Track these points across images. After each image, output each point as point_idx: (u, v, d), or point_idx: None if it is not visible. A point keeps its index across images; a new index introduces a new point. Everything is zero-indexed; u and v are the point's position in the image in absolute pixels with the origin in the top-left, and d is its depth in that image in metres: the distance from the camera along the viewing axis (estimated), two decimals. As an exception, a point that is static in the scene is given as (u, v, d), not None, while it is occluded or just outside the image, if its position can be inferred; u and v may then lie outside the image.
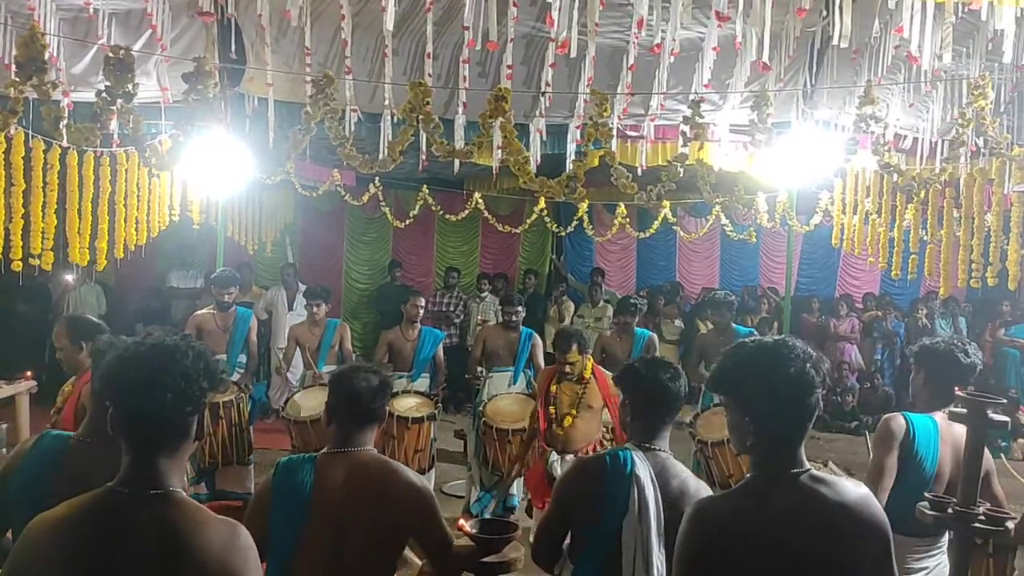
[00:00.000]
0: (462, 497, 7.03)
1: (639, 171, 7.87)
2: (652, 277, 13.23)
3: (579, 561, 2.85)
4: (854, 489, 2.09)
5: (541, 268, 12.88)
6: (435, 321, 10.35)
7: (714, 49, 6.59)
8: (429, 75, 6.62)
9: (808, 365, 2.03)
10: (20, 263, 5.18)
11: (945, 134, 7.41)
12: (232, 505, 6.17)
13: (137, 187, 6.30)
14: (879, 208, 7.48)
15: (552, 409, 5.23)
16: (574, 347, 5.23)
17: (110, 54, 4.95)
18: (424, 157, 7.65)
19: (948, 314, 11.70)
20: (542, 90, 7.29)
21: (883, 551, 2.06)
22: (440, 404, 6.82)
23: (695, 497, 2.74)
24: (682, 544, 2.07)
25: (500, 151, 6.71)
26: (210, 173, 6.46)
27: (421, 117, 5.55)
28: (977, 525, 2.70)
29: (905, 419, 3.24)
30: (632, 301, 7.39)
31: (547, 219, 10.08)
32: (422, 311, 7.19)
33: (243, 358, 6.88)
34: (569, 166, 7.48)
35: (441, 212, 10.23)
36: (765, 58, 5.99)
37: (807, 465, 2.07)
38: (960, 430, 2.97)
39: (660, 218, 9.53)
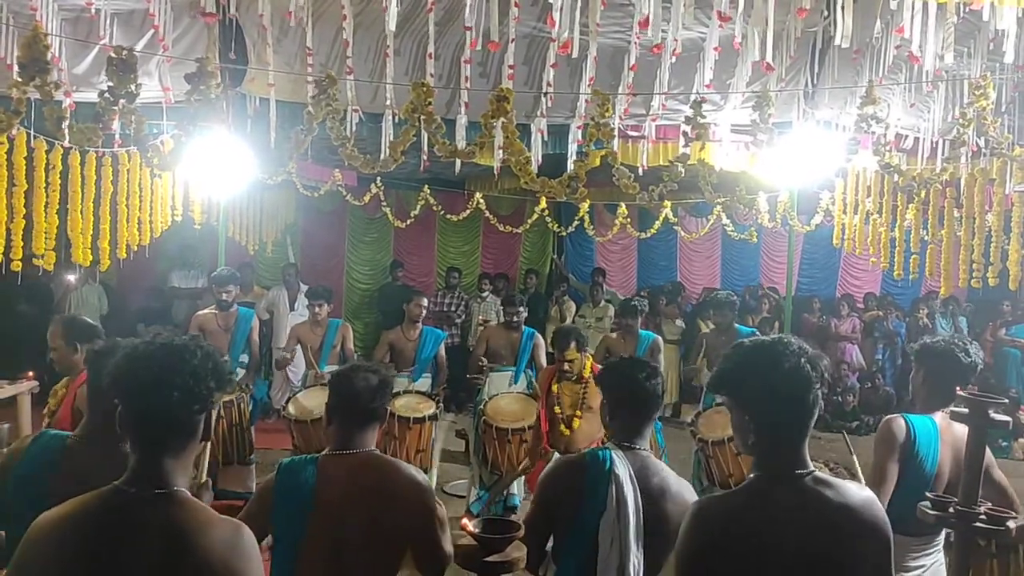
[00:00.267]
0: (462, 497, 7.04)
1: (640, 171, 7.88)
2: (653, 277, 13.23)
3: (561, 561, 2.86)
4: (857, 492, 2.09)
5: (542, 268, 12.89)
6: (436, 321, 10.36)
7: (715, 49, 6.59)
8: (431, 75, 6.63)
9: (804, 361, 2.04)
10: (20, 263, 5.18)
11: (946, 134, 7.41)
12: (234, 505, 6.17)
13: (139, 187, 6.30)
14: (880, 208, 7.48)
15: (557, 409, 5.23)
16: (572, 345, 5.23)
17: (113, 54, 4.95)
18: (425, 157, 7.65)
19: (948, 314, 11.71)
20: (543, 90, 7.29)
21: (883, 554, 2.07)
22: (441, 404, 6.83)
23: (677, 495, 2.77)
24: (683, 543, 2.07)
25: (501, 151, 6.72)
26: (212, 173, 6.46)
27: (423, 117, 5.55)
28: (978, 525, 2.71)
29: (905, 421, 3.23)
30: (634, 303, 7.40)
31: (548, 219, 10.09)
32: (424, 311, 7.20)
33: (245, 358, 6.88)
34: (570, 166, 7.48)
35: (442, 212, 10.24)
36: (768, 58, 6.00)
37: (811, 466, 2.07)
38: (960, 429, 2.97)
39: (661, 218, 9.54)
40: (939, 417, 3.23)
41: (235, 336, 6.77)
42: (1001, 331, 11.35)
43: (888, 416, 3.34)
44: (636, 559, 2.72)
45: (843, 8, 5.54)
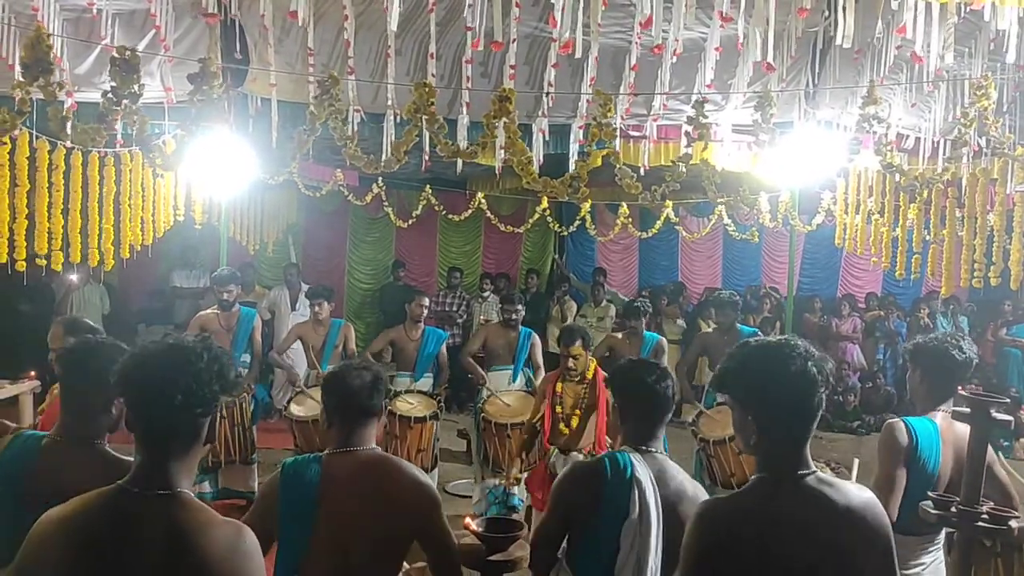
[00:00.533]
0: (465, 496, 7.05)
1: (642, 171, 7.88)
2: (654, 277, 13.24)
3: (578, 566, 2.83)
4: (858, 493, 2.10)
5: (543, 268, 12.89)
6: (438, 321, 10.37)
7: (716, 49, 6.59)
8: (432, 75, 6.63)
9: (810, 364, 2.03)
10: (24, 263, 5.19)
11: (947, 134, 7.41)
12: (236, 504, 6.20)
13: (141, 187, 6.31)
14: (881, 208, 7.48)
15: (559, 409, 5.23)
16: (578, 341, 5.23)
17: (116, 55, 4.95)
18: (427, 157, 7.66)
19: (949, 313, 11.71)
20: (545, 90, 7.30)
21: (886, 554, 2.07)
22: (443, 404, 6.84)
23: (693, 500, 2.75)
24: (688, 545, 2.08)
25: (503, 151, 6.72)
26: (213, 173, 6.47)
27: (426, 117, 5.56)
28: (980, 524, 2.71)
29: (906, 425, 3.22)
30: (638, 304, 7.41)
31: (549, 219, 10.10)
32: (426, 311, 7.20)
33: (246, 358, 6.89)
34: (572, 166, 7.49)
35: (444, 212, 10.25)
36: (769, 58, 6.00)
37: (812, 467, 2.08)
38: (961, 429, 2.98)
39: (662, 218, 9.54)
40: (939, 417, 3.23)
41: (237, 336, 6.78)
42: (1002, 331, 11.35)
43: (889, 421, 3.33)
44: (655, 563, 2.72)
45: (844, 8, 5.54)
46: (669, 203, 8.83)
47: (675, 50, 6.31)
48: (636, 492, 2.73)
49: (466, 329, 11.14)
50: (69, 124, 5.07)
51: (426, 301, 7.27)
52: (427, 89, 5.61)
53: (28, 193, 5.15)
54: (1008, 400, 2.92)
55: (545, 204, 9.36)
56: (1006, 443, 9.02)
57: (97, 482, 2.24)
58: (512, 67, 6.69)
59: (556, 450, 5.19)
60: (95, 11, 6.03)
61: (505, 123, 5.73)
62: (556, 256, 12.92)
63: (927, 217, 7.00)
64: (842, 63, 7.24)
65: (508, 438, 6.08)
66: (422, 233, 12.11)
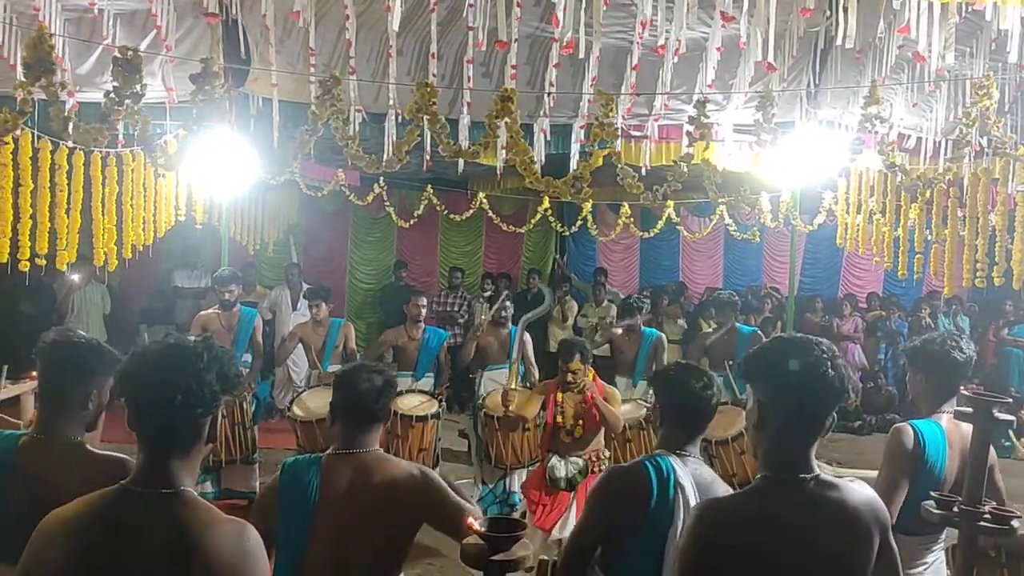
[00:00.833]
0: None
1: (643, 171, 7.88)
2: (656, 277, 13.23)
3: (614, 572, 2.78)
4: (860, 492, 2.09)
5: (545, 268, 12.89)
6: (439, 321, 10.37)
7: (718, 49, 6.59)
8: (433, 75, 6.63)
9: (832, 369, 2.03)
10: (28, 263, 5.19)
11: (949, 134, 7.41)
12: (238, 505, 6.20)
13: (143, 187, 6.31)
14: (883, 208, 7.48)
15: (559, 419, 5.23)
16: (577, 357, 5.19)
17: (118, 55, 4.96)
18: (428, 157, 7.66)
19: (951, 313, 11.70)
20: (546, 90, 7.30)
21: (885, 548, 2.07)
22: (444, 403, 6.84)
23: None
24: (686, 543, 2.08)
25: (505, 151, 6.73)
26: (215, 173, 6.46)
27: (427, 117, 5.56)
28: (983, 524, 2.71)
29: (914, 430, 3.20)
30: (632, 301, 7.44)
31: (551, 219, 10.09)
32: (424, 310, 7.21)
33: (247, 357, 6.89)
34: (573, 166, 7.49)
35: (445, 212, 10.25)
36: (770, 58, 6.00)
37: (816, 469, 2.07)
38: (967, 430, 2.96)
39: (664, 218, 9.53)
40: (945, 420, 3.22)
41: (238, 336, 6.78)
42: (1004, 331, 11.34)
43: (896, 425, 3.31)
44: None
45: (846, 8, 5.54)
46: (670, 203, 8.82)
47: (677, 50, 6.31)
48: (681, 498, 2.69)
49: (467, 329, 11.11)
50: (71, 124, 5.08)
51: (423, 301, 7.27)
52: (429, 89, 5.62)
53: (30, 193, 5.15)
54: (1010, 400, 2.91)
55: (547, 204, 9.36)
56: (1007, 443, 9.01)
57: (77, 479, 2.24)
58: (513, 67, 6.69)
59: (553, 454, 5.17)
60: (97, 11, 6.03)
61: (507, 123, 5.74)
62: (557, 256, 12.92)
63: (929, 217, 6.99)
64: (844, 63, 7.24)
65: (511, 431, 6.07)
66: (423, 233, 12.11)
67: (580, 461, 5.11)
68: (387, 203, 9.75)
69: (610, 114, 5.93)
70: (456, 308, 11.30)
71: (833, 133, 7.33)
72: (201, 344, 1.93)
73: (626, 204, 9.23)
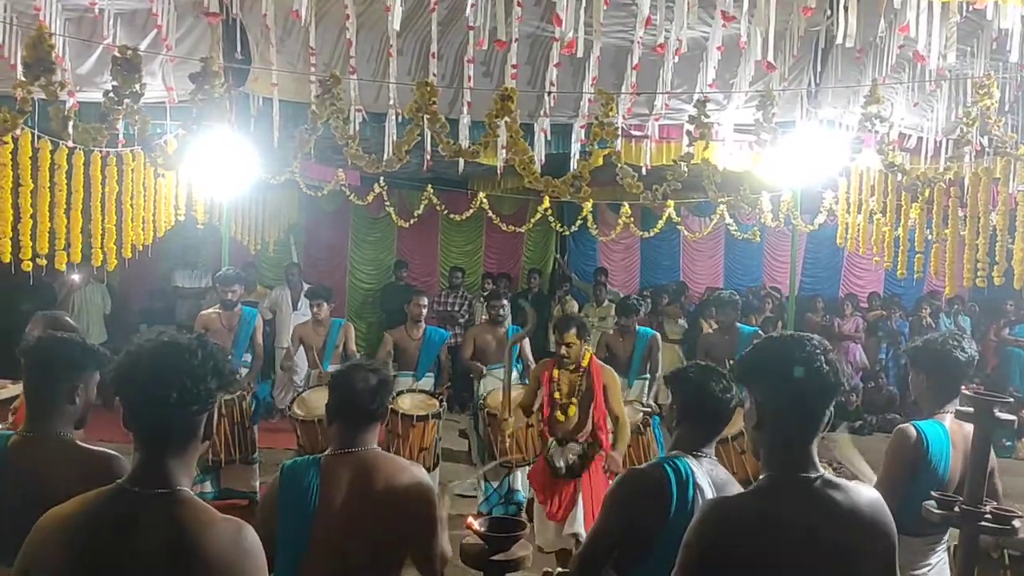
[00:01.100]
0: (467, 496, 7.05)
1: (644, 170, 7.88)
2: (656, 276, 13.22)
3: (632, 575, 2.76)
4: (865, 493, 2.09)
5: (545, 267, 12.89)
6: (440, 321, 10.37)
7: (718, 49, 6.59)
8: (434, 75, 6.63)
9: (826, 364, 2.03)
10: (30, 263, 5.19)
11: (950, 133, 7.40)
12: (238, 504, 6.20)
13: (143, 187, 6.31)
14: (884, 207, 7.47)
15: (557, 395, 5.23)
16: (573, 330, 5.19)
17: (117, 54, 4.95)
18: (428, 157, 7.66)
19: (952, 313, 11.69)
20: (547, 90, 7.30)
21: (889, 556, 2.06)
22: (444, 403, 6.84)
23: None
24: (689, 543, 2.07)
25: (505, 151, 6.72)
26: (215, 173, 6.47)
27: (427, 117, 5.56)
28: (984, 524, 2.70)
29: (918, 431, 3.20)
30: (630, 302, 7.44)
31: (551, 219, 10.08)
32: (425, 310, 7.21)
33: (248, 357, 6.89)
34: (574, 165, 7.48)
35: (445, 212, 10.24)
36: (770, 57, 5.99)
37: (820, 468, 2.07)
38: (970, 430, 2.96)
39: (664, 217, 9.53)
40: (948, 420, 3.21)
41: (238, 335, 6.78)
42: (1005, 331, 11.33)
43: (900, 426, 3.30)
44: None
45: (847, 7, 5.53)
46: (671, 203, 8.82)
47: (677, 49, 6.31)
48: (701, 500, 2.66)
49: (468, 329, 11.13)
50: (71, 124, 5.08)
51: (424, 301, 7.28)
52: (429, 88, 5.62)
53: (30, 193, 5.15)
54: (1011, 400, 2.91)
55: (547, 204, 9.35)
56: (1008, 443, 9.01)
57: (69, 475, 2.24)
58: (514, 66, 6.68)
59: (554, 441, 5.18)
60: (97, 11, 6.03)
61: (507, 122, 5.74)
62: (558, 256, 12.91)
63: (929, 217, 6.98)
64: (844, 62, 7.23)
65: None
66: (424, 233, 12.10)
67: (577, 446, 5.10)
68: (387, 203, 9.75)
69: (610, 113, 5.93)
70: (456, 308, 11.30)
71: (834, 132, 7.32)
72: (195, 341, 1.92)
73: (626, 204, 9.22)
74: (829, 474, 2.08)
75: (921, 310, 11.39)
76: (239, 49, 6.59)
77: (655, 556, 2.66)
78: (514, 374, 6.97)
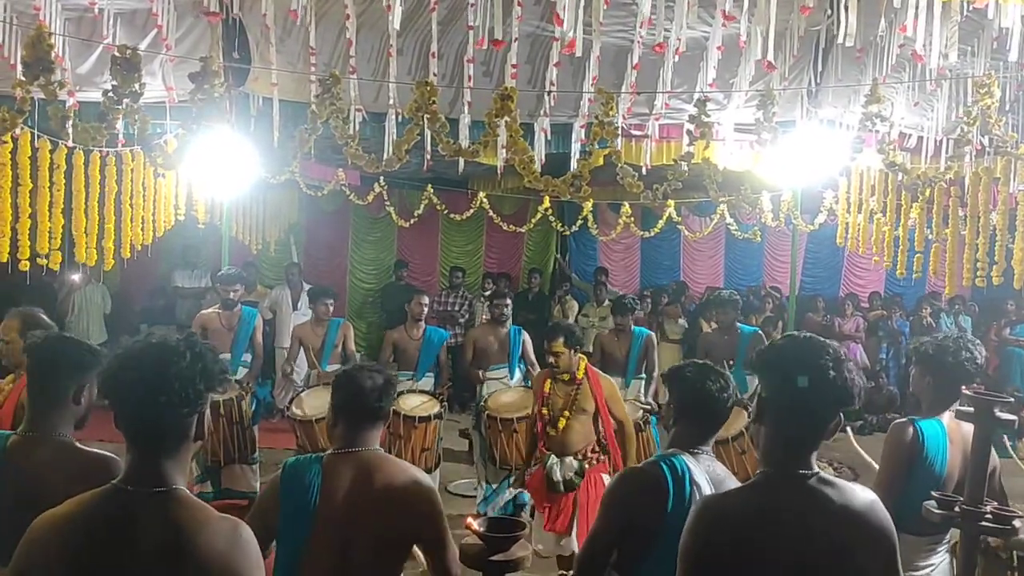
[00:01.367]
0: (467, 496, 7.05)
1: (644, 170, 7.87)
2: (656, 276, 13.22)
3: (634, 574, 2.76)
4: (862, 494, 2.09)
5: (545, 267, 12.88)
6: (440, 321, 10.36)
7: (719, 48, 6.58)
8: (434, 74, 6.63)
9: (835, 371, 2.03)
10: (28, 263, 5.18)
11: (950, 133, 7.39)
12: (237, 504, 6.19)
13: (143, 187, 6.31)
14: (884, 207, 7.46)
15: (545, 411, 5.18)
16: (561, 338, 5.09)
17: (117, 54, 4.95)
18: (429, 156, 7.65)
19: (952, 313, 11.69)
20: (547, 89, 7.29)
21: (890, 556, 2.06)
22: (445, 403, 6.83)
23: None
24: (686, 539, 2.08)
25: (505, 150, 6.72)
26: (215, 173, 6.47)
27: (427, 116, 5.55)
28: (984, 523, 2.70)
29: (914, 427, 3.20)
30: (626, 301, 7.42)
31: (551, 218, 10.07)
32: (426, 309, 7.20)
33: (248, 357, 6.89)
34: (574, 165, 7.48)
35: (445, 211, 10.24)
36: (770, 57, 5.99)
37: (816, 467, 2.08)
38: (969, 430, 2.96)
39: (664, 217, 9.52)
40: (947, 418, 3.21)
41: (238, 335, 6.78)
42: (1006, 331, 11.32)
43: (896, 422, 3.31)
44: None
45: (847, 7, 5.53)
46: (671, 202, 8.81)
47: (677, 49, 6.30)
48: (698, 496, 2.66)
49: (468, 329, 11.12)
50: (70, 123, 5.07)
51: (426, 300, 7.27)
52: (429, 88, 5.61)
53: (30, 192, 5.14)
54: (1012, 399, 2.91)
55: (547, 203, 9.35)
56: (1010, 443, 8.98)
57: (67, 477, 2.24)
58: (514, 66, 6.68)
59: (552, 454, 5.13)
60: (97, 10, 6.03)
61: (507, 122, 5.73)
62: (558, 255, 12.91)
63: (929, 216, 6.98)
64: (845, 62, 7.23)
65: (515, 432, 6.05)
66: (424, 233, 12.10)
67: (575, 463, 5.05)
68: (387, 203, 9.75)
69: (610, 113, 5.92)
70: (457, 308, 11.30)
71: (834, 132, 7.32)
72: (183, 342, 1.91)
73: (627, 203, 9.22)
74: (826, 473, 2.09)
75: (922, 310, 11.38)
76: (239, 49, 6.59)
77: (655, 555, 2.66)
78: (517, 375, 6.98)
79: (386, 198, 9.55)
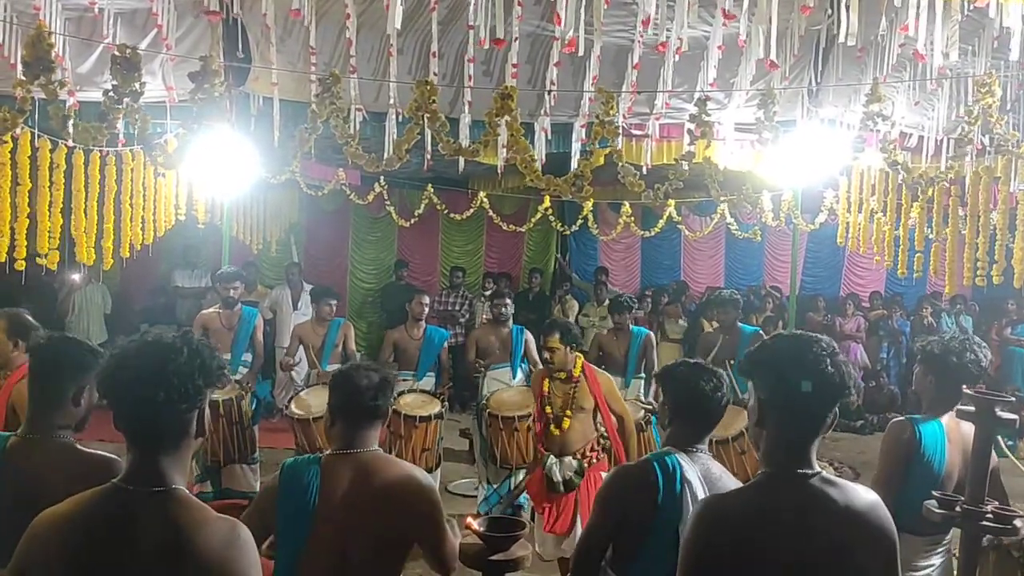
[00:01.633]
0: (467, 496, 7.05)
1: (644, 170, 7.87)
2: (657, 276, 13.22)
3: (628, 572, 2.78)
4: (863, 495, 2.08)
5: (546, 267, 12.89)
6: (440, 320, 10.37)
7: (719, 47, 6.58)
8: (434, 74, 6.62)
9: (831, 365, 2.03)
10: (24, 263, 5.18)
11: (951, 132, 7.39)
12: (237, 504, 6.19)
13: (143, 186, 6.30)
14: (884, 206, 7.45)
15: (548, 409, 5.16)
16: (556, 335, 5.06)
17: (117, 53, 4.95)
18: (429, 156, 7.65)
19: (953, 312, 11.68)
20: (547, 88, 7.29)
21: (889, 557, 2.06)
22: (446, 403, 6.82)
23: None
24: (688, 539, 2.08)
25: (505, 150, 6.71)
26: (215, 172, 6.46)
27: (427, 116, 5.55)
28: (985, 523, 2.70)
29: (912, 425, 3.21)
30: (623, 300, 7.41)
31: (552, 218, 10.07)
32: (427, 309, 7.20)
33: (248, 357, 6.89)
34: (574, 164, 7.47)
35: (446, 211, 10.24)
36: (771, 56, 5.98)
37: (817, 467, 2.07)
38: (968, 429, 2.96)
39: (665, 217, 9.52)
40: (946, 418, 3.21)
41: (238, 335, 6.78)
42: (1007, 330, 11.32)
43: (894, 420, 3.31)
44: None
45: (848, 6, 5.52)
46: (672, 202, 8.81)
47: (678, 48, 6.30)
48: (688, 493, 2.69)
49: (468, 329, 11.12)
50: (70, 123, 5.07)
51: (426, 299, 7.27)
52: (429, 87, 5.61)
53: (29, 192, 5.14)
54: (1013, 399, 2.90)
55: (547, 203, 9.35)
56: (1010, 443, 8.98)
57: (67, 478, 2.24)
58: (514, 65, 6.67)
59: (550, 455, 5.11)
60: (97, 10, 6.03)
61: (507, 121, 5.72)
62: (559, 255, 12.91)
63: (930, 215, 6.97)
64: (845, 61, 7.22)
65: (516, 431, 6.05)
66: (424, 232, 12.11)
67: (574, 462, 5.03)
68: (388, 202, 9.74)
69: (611, 112, 5.91)
70: (457, 307, 11.30)
71: (835, 131, 7.31)
72: (180, 340, 1.91)
73: (627, 203, 9.22)
74: (827, 472, 2.08)
75: (922, 309, 11.38)
76: (239, 48, 6.58)
77: (648, 552, 2.70)
78: (519, 375, 6.98)
79: (386, 198, 9.55)
